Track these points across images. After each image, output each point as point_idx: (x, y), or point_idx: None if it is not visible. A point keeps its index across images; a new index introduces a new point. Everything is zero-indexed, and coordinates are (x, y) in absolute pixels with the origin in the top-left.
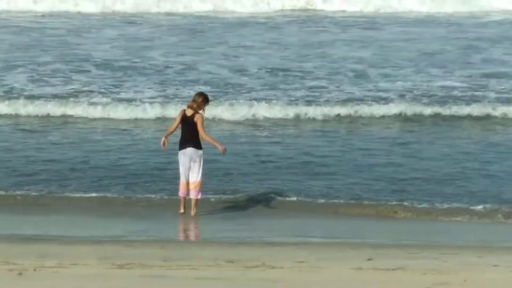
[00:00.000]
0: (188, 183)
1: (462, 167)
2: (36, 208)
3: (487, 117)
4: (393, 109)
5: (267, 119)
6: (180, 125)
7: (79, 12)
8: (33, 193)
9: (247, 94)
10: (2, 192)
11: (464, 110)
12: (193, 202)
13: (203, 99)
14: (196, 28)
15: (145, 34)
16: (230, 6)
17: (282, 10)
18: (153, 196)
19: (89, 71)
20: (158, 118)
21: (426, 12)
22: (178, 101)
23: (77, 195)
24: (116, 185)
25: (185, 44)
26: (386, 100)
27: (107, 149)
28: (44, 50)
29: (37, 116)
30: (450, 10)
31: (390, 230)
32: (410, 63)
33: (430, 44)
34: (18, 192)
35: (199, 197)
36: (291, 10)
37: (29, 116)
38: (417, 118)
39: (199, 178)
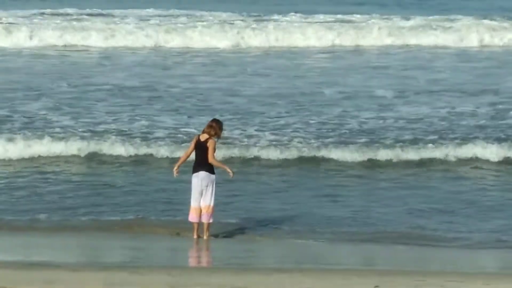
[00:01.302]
0: (200, 208)
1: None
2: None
3: None
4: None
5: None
6: (194, 151)
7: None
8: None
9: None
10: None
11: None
12: (205, 226)
13: (220, 126)
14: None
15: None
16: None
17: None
18: (165, 218)
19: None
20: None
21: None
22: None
23: (86, 218)
24: (128, 210)
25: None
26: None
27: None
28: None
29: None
30: None
31: (396, 257)
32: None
33: None
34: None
35: (211, 221)
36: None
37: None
38: None
39: (211, 203)
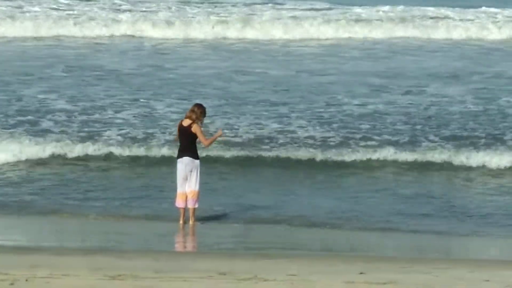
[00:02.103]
0: (185, 194)
1: None
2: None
3: None
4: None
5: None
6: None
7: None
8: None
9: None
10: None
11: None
12: (191, 212)
13: (202, 111)
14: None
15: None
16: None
17: None
18: (152, 205)
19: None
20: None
21: None
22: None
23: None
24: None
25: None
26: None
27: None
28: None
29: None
30: None
31: (382, 244)
32: None
33: None
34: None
35: (196, 206)
36: None
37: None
38: None
39: (196, 188)
